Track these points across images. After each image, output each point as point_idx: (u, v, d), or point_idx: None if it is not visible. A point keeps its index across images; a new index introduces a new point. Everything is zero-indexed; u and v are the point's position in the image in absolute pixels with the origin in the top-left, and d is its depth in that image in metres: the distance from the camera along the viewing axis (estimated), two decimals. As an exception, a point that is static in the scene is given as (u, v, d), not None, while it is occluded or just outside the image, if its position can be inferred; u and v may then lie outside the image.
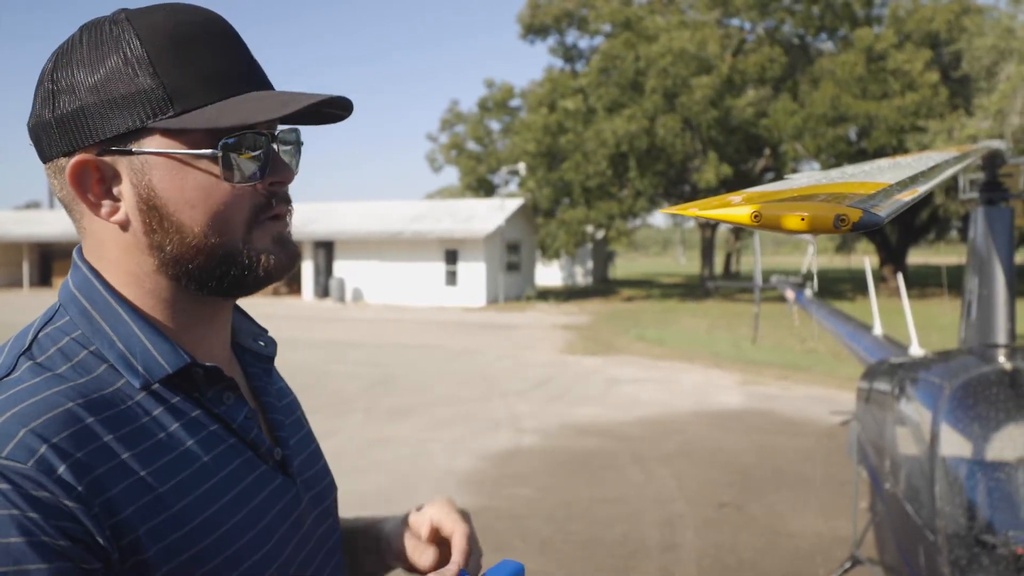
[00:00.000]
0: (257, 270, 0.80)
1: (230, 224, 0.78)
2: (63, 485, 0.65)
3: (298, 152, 0.86)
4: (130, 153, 0.75)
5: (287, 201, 0.83)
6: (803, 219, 0.52)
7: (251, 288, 0.81)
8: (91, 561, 0.65)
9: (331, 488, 0.96)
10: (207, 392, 0.79)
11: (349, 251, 29.12)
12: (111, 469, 0.68)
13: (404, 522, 0.95)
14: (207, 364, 0.78)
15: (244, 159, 0.77)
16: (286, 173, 0.81)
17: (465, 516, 0.90)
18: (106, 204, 0.76)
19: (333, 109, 0.81)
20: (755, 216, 0.54)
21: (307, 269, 29.67)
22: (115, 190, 0.76)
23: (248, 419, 0.81)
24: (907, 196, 0.67)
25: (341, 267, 29.28)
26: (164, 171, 0.75)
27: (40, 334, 0.76)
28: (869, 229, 0.51)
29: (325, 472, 0.96)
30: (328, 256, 29.66)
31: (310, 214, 31.35)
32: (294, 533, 0.83)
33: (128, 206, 0.76)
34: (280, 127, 0.81)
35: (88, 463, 0.67)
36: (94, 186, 0.76)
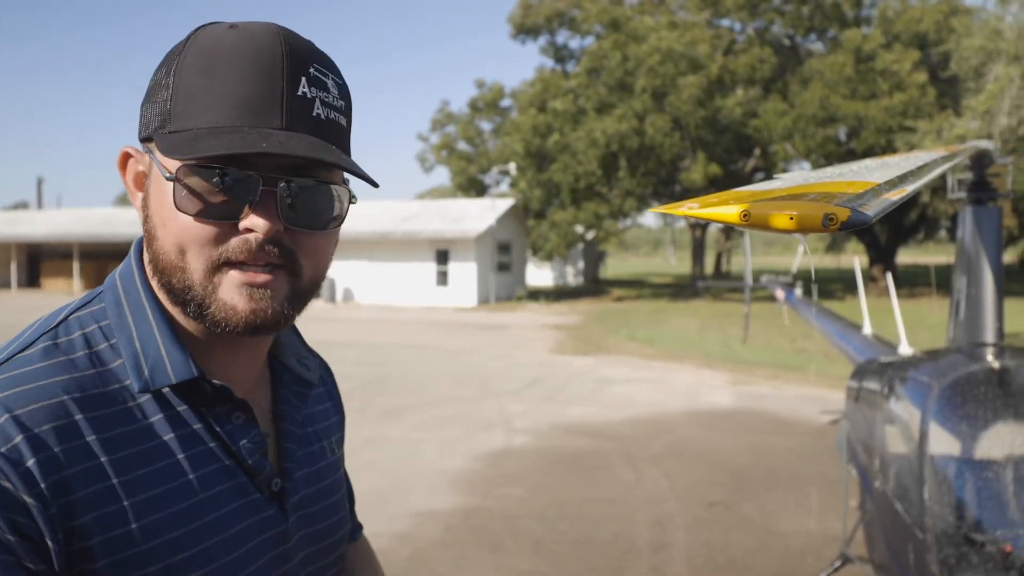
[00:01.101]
0: (216, 315, 0.74)
1: (187, 258, 0.74)
2: (26, 479, 0.64)
3: (319, 204, 0.77)
4: (151, 152, 0.78)
5: (268, 252, 0.74)
6: (791, 218, 0.52)
7: (217, 330, 0.75)
8: (35, 561, 0.64)
9: (335, 528, 0.90)
10: (215, 408, 0.77)
11: (340, 251, 28.97)
12: (83, 471, 0.67)
13: None
14: (216, 382, 0.76)
15: (212, 194, 0.72)
16: (268, 222, 0.73)
17: None
18: (138, 195, 0.80)
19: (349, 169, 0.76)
20: (744, 215, 0.54)
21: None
22: (145, 185, 0.79)
23: (252, 443, 0.78)
24: (895, 195, 0.67)
25: (332, 267, 29.19)
26: (154, 182, 0.77)
27: (72, 315, 0.77)
28: (857, 228, 0.51)
29: (333, 511, 0.91)
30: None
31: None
32: (275, 568, 0.80)
33: (145, 203, 0.79)
34: (295, 176, 0.75)
35: (60, 461, 0.66)
36: (132, 175, 0.80)
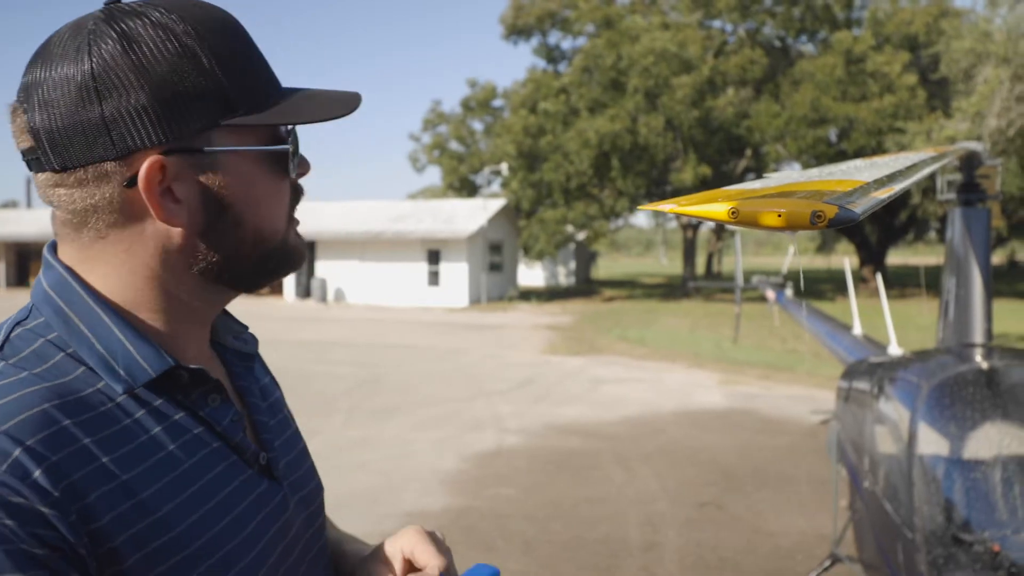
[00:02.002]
0: (292, 263, 0.84)
1: (281, 219, 0.82)
2: (38, 490, 0.62)
3: None
4: (199, 151, 0.74)
5: (303, 194, 0.87)
6: (780, 215, 0.52)
7: (278, 278, 0.85)
8: (68, 571, 0.63)
9: (318, 491, 0.93)
10: (192, 394, 0.77)
11: (331, 251, 28.99)
12: (89, 473, 0.66)
13: (376, 555, 0.91)
14: (192, 367, 0.76)
15: (294, 154, 0.82)
16: (307, 165, 0.86)
17: (440, 545, 0.88)
18: (169, 206, 0.74)
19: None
20: (732, 212, 0.54)
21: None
22: (179, 190, 0.74)
23: (234, 422, 0.79)
24: (883, 194, 0.67)
25: (323, 267, 29.15)
26: (234, 169, 0.76)
27: (12, 335, 0.74)
28: (845, 225, 0.51)
29: (312, 474, 0.93)
30: (310, 256, 29.51)
31: (298, 214, 31.15)
32: (281, 539, 0.81)
33: (191, 206, 0.75)
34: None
35: (65, 467, 0.65)
36: (160, 187, 0.73)
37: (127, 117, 0.71)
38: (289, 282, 29.56)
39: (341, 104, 0.81)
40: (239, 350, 0.91)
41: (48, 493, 0.63)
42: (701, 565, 4.92)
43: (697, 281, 31.48)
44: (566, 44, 38.13)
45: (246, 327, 0.95)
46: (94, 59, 0.71)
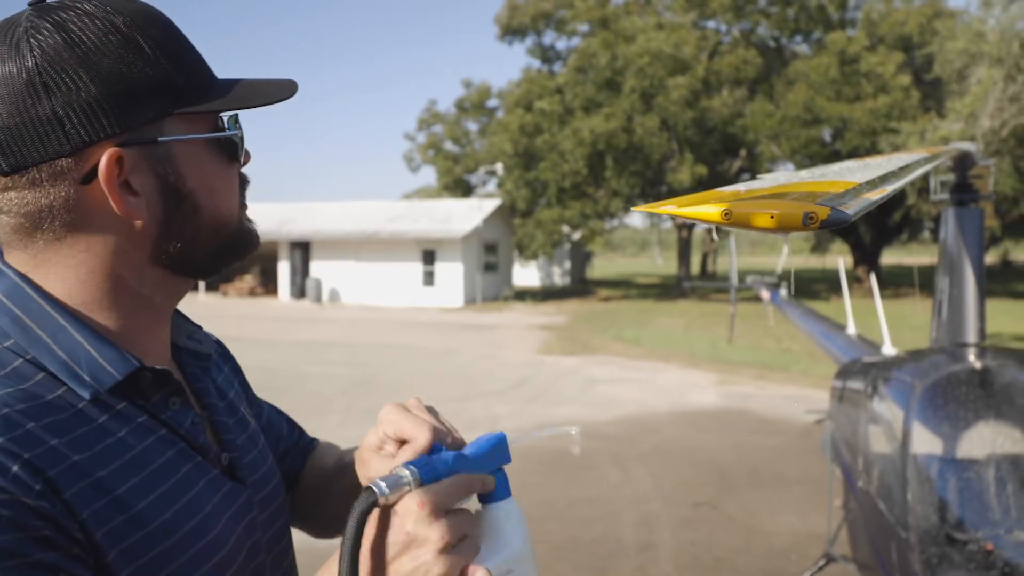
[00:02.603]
0: (247, 247, 0.85)
1: (234, 204, 0.82)
2: (20, 484, 0.62)
3: None
4: (154, 142, 0.73)
5: (249, 182, 0.88)
6: (772, 217, 0.52)
7: (234, 263, 0.85)
8: (72, 547, 0.63)
9: (280, 489, 0.92)
10: (152, 397, 0.76)
11: (326, 251, 28.96)
12: (62, 471, 0.65)
13: (364, 452, 0.87)
14: (157, 367, 0.76)
15: (240, 140, 0.82)
16: (248, 153, 0.86)
17: (421, 412, 0.83)
18: (129, 199, 0.73)
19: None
20: (725, 214, 0.54)
21: (283, 269, 29.47)
22: (136, 182, 0.73)
23: (195, 424, 0.79)
24: (875, 195, 0.68)
25: (318, 267, 29.11)
26: (188, 157, 0.76)
27: None
28: (837, 227, 0.52)
29: (273, 472, 0.92)
30: (305, 256, 29.47)
31: (287, 214, 31.14)
32: (247, 538, 0.81)
33: (150, 197, 0.74)
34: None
35: (39, 464, 0.63)
36: (118, 180, 0.72)
37: (79, 111, 0.69)
38: (284, 282, 29.53)
39: (282, 89, 0.82)
40: (194, 350, 0.90)
41: (30, 487, 0.62)
42: (696, 565, 4.92)
43: (692, 281, 31.53)
44: (561, 44, 38.18)
45: (200, 327, 0.94)
46: (35, 54, 0.69)
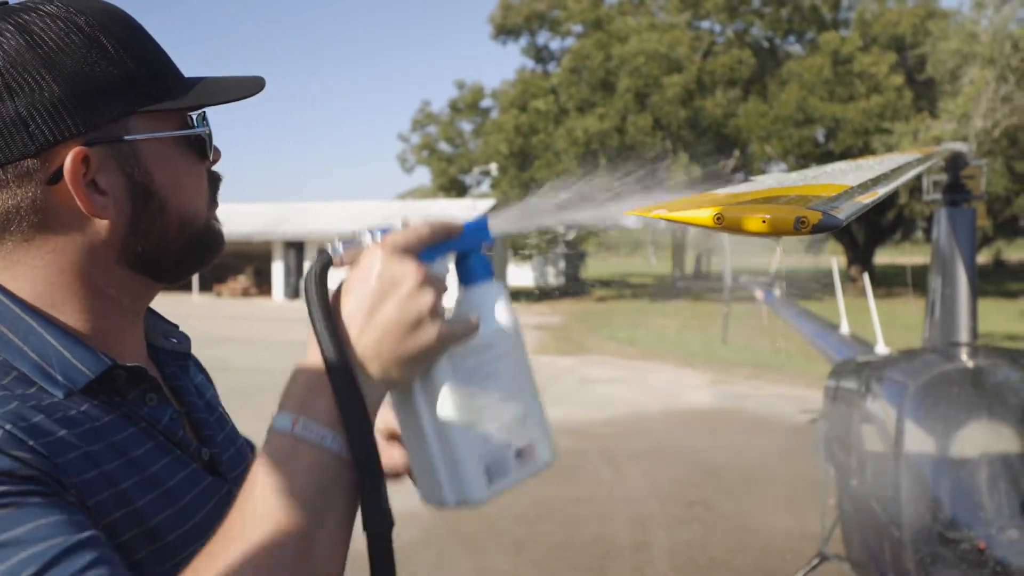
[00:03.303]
0: (214, 248, 0.83)
1: (202, 203, 0.81)
2: (37, 454, 0.63)
3: None
4: (120, 140, 0.73)
5: (222, 180, 0.86)
6: (764, 221, 0.53)
7: (201, 267, 0.84)
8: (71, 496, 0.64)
9: None
10: (129, 394, 0.76)
11: (318, 250, 28.89)
12: (49, 443, 0.65)
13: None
14: (130, 364, 0.75)
15: (208, 136, 0.82)
16: (219, 151, 0.84)
17: None
18: (96, 198, 0.72)
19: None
20: (717, 219, 0.55)
21: (278, 270, 29.41)
22: (102, 181, 0.72)
23: (173, 419, 0.78)
24: (867, 199, 0.68)
25: (308, 266, 29.04)
26: (155, 155, 0.76)
27: None
28: (828, 231, 0.52)
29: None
30: (299, 257, 29.42)
31: (281, 214, 31.08)
32: None
33: (117, 196, 0.74)
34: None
35: (20, 436, 0.63)
36: (85, 179, 0.71)
37: (43, 111, 0.69)
38: (278, 283, 29.47)
39: (248, 86, 0.82)
40: (172, 350, 0.90)
41: (21, 443, 0.63)
42: (691, 565, 4.93)
43: (686, 281, 31.59)
44: (555, 44, 38.16)
45: (177, 326, 0.94)
46: None
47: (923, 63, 25.42)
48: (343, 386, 0.63)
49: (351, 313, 0.66)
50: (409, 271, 0.66)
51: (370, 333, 0.65)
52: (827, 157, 27.81)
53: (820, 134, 28.68)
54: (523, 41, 33.88)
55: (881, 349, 4.57)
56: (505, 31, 33.08)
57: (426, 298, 0.66)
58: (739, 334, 15.86)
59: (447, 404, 0.68)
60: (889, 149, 23.07)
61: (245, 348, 13.78)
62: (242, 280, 30.93)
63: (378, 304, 0.65)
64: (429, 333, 0.66)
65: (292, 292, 29.39)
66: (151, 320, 0.90)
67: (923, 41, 25.64)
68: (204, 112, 0.81)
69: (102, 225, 0.74)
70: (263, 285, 30.78)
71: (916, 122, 23.74)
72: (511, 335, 0.74)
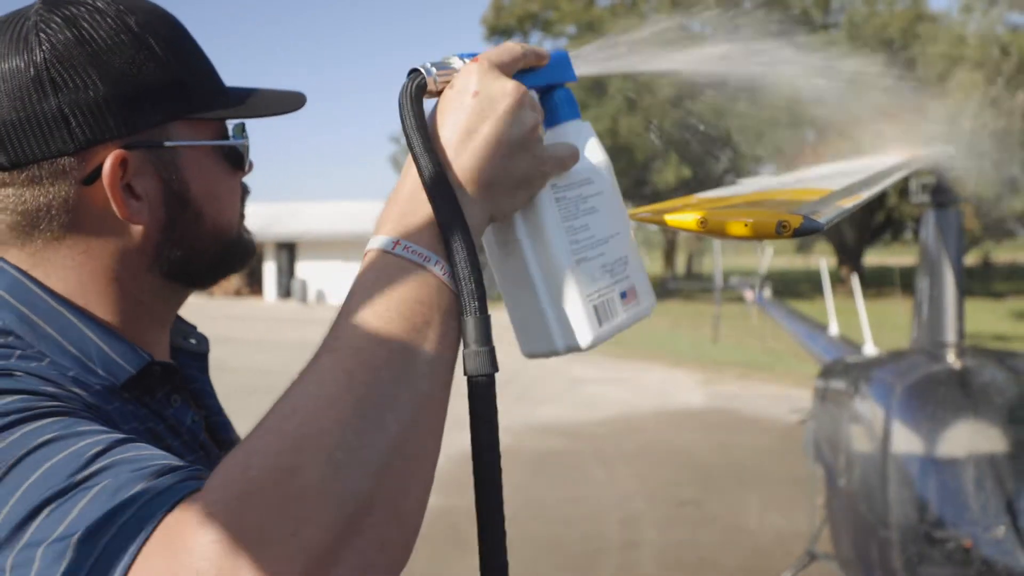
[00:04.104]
0: (245, 257, 0.83)
1: (236, 213, 0.81)
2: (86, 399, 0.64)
3: None
4: (160, 146, 0.72)
5: (249, 192, 0.86)
6: (747, 225, 0.54)
7: (231, 274, 0.84)
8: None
9: None
10: (156, 394, 0.75)
11: (312, 252, 28.85)
12: (91, 405, 0.66)
13: None
14: (165, 362, 0.76)
15: (245, 149, 0.81)
16: (252, 164, 0.84)
17: None
18: (131, 203, 0.71)
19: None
20: (701, 222, 0.56)
21: (269, 270, 29.32)
22: (139, 186, 0.71)
23: (195, 422, 0.79)
24: (849, 202, 0.70)
25: (304, 268, 28.99)
26: (193, 164, 0.75)
27: None
28: (809, 235, 0.54)
29: None
30: (291, 257, 29.35)
31: (273, 214, 30.99)
32: None
33: (153, 202, 0.72)
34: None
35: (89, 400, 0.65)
36: (121, 183, 0.70)
37: (86, 109, 0.68)
38: (270, 283, 29.38)
39: (290, 101, 0.82)
40: (191, 351, 0.89)
41: (88, 396, 0.65)
42: (680, 564, 4.95)
43: (677, 281, 31.67)
44: (547, 46, 38.23)
45: (195, 327, 0.93)
46: (44, 49, 0.67)
47: (912, 66, 25.55)
48: (445, 208, 0.58)
49: (448, 135, 0.60)
50: (509, 89, 0.61)
51: (468, 155, 0.60)
52: (816, 158, 27.90)
53: (810, 135, 28.81)
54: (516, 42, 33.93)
55: (869, 350, 4.61)
56: (498, 32, 33.08)
57: (528, 119, 0.61)
58: (730, 334, 15.92)
59: (552, 237, 0.63)
60: (878, 150, 23.11)
61: (242, 348, 13.76)
62: (234, 280, 30.85)
63: (477, 124, 0.60)
64: (532, 158, 0.62)
65: (284, 292, 29.31)
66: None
67: (912, 44, 25.79)
68: (243, 124, 0.80)
69: (136, 230, 0.72)
70: (255, 285, 30.68)
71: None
72: (607, 174, 0.69)
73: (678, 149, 28.47)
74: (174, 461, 0.54)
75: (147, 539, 0.46)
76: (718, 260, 10.38)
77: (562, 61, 0.70)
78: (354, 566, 0.47)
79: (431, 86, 0.60)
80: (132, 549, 0.46)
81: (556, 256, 0.63)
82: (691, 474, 6.86)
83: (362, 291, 0.57)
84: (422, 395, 0.55)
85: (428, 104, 0.62)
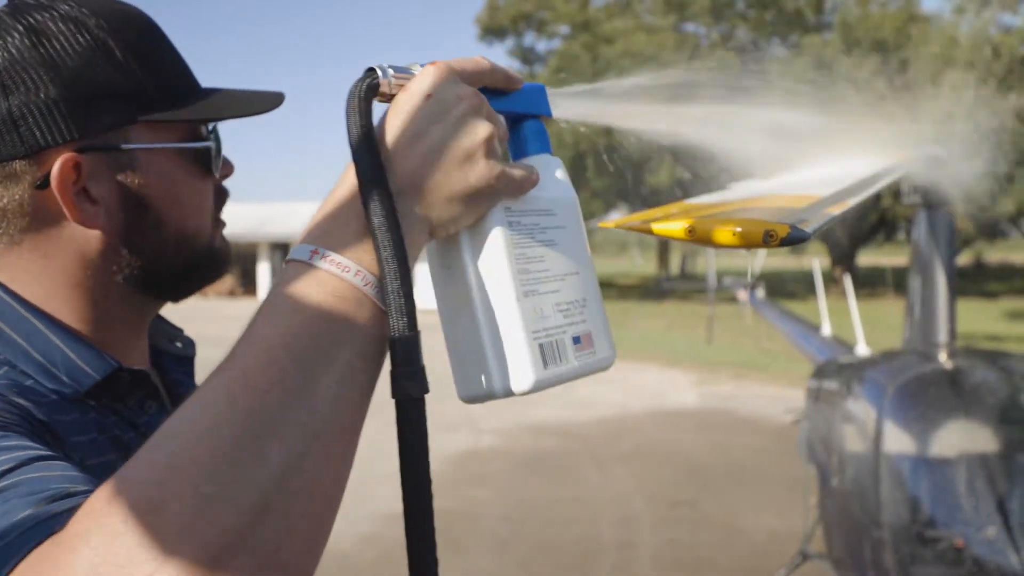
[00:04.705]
0: (219, 267, 0.80)
1: (205, 219, 0.78)
2: (32, 413, 0.63)
3: None
4: (116, 149, 0.70)
5: (228, 196, 0.83)
6: (734, 234, 0.55)
7: (205, 285, 0.80)
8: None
9: None
10: (128, 401, 0.74)
11: (305, 252, 28.80)
12: (44, 424, 0.64)
13: None
14: (134, 368, 0.74)
15: (216, 152, 0.78)
16: (231, 166, 0.81)
17: None
18: (86, 207, 0.69)
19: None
20: (689, 231, 0.57)
21: (263, 271, 29.28)
22: (95, 190, 0.70)
23: None
24: (837, 209, 0.70)
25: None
26: (155, 167, 0.73)
27: None
28: (796, 244, 0.54)
29: None
30: (285, 257, 29.22)
31: (267, 214, 30.95)
32: None
33: (109, 206, 0.71)
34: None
35: (38, 416, 0.64)
36: (75, 187, 0.68)
37: (36, 112, 0.67)
38: (263, 283, 29.33)
39: (262, 102, 0.79)
40: (177, 354, 0.87)
41: (33, 409, 0.63)
42: (676, 564, 4.97)
43: (672, 282, 31.71)
44: (541, 46, 38.24)
45: (181, 330, 0.91)
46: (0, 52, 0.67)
47: (904, 66, 25.64)
48: (379, 212, 0.52)
49: (394, 137, 0.55)
50: (464, 94, 0.57)
51: (413, 159, 0.55)
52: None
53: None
54: (509, 42, 33.89)
55: (862, 350, 4.63)
56: (492, 32, 33.08)
57: (481, 128, 0.56)
58: (724, 335, 15.95)
59: (498, 259, 0.57)
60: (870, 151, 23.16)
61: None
62: (228, 280, 30.79)
63: (426, 127, 0.55)
64: (482, 170, 0.56)
65: (277, 293, 29.24)
66: (155, 323, 0.87)
67: (904, 44, 25.88)
68: (214, 125, 0.78)
69: (93, 235, 0.71)
70: (248, 286, 30.63)
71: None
72: (572, 210, 0.64)
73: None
74: (79, 486, 0.52)
75: (11, 570, 0.46)
76: (712, 261, 10.40)
77: (537, 93, 0.65)
78: None
79: (384, 88, 0.56)
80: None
81: (501, 282, 0.57)
82: (686, 474, 6.87)
83: (269, 306, 0.53)
84: (321, 422, 0.49)
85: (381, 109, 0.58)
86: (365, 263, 0.53)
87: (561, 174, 0.65)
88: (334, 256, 0.53)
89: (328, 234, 0.55)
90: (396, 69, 0.56)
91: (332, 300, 0.52)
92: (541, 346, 0.58)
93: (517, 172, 0.59)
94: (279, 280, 0.55)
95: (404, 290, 0.53)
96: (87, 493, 0.50)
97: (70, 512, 0.47)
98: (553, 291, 0.60)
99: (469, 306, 0.58)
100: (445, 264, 0.60)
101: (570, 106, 0.70)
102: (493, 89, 0.61)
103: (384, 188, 0.53)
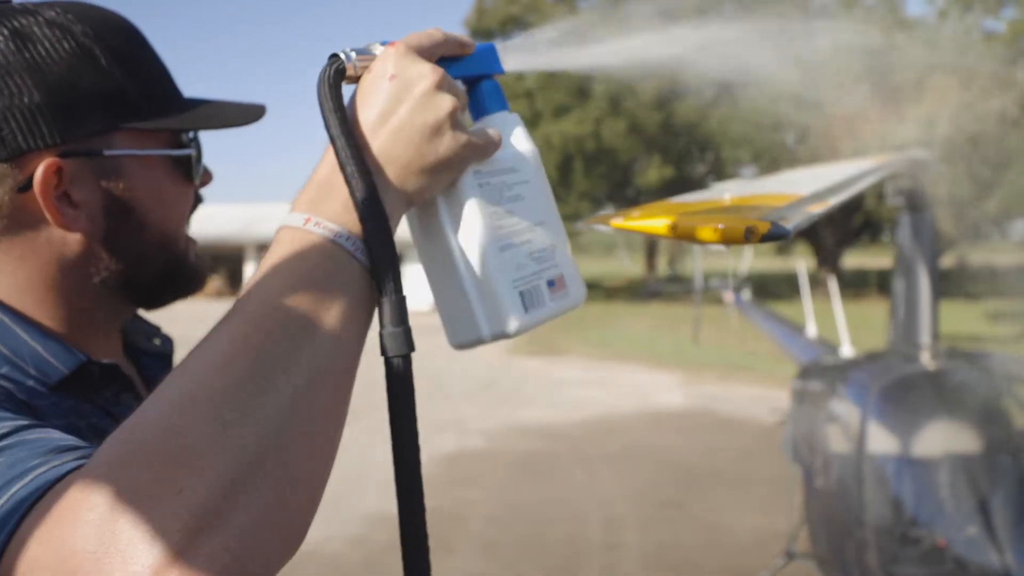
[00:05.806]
0: (196, 280, 0.82)
1: (180, 228, 0.79)
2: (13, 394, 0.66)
3: None
4: (99, 155, 0.72)
5: (202, 201, 0.85)
6: (715, 231, 0.56)
7: (182, 296, 0.82)
8: None
9: None
10: (103, 393, 0.75)
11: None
12: (45, 412, 0.67)
13: None
14: (104, 362, 0.75)
15: (197, 160, 0.80)
16: (210, 175, 0.83)
17: None
18: (67, 211, 0.71)
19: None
20: (671, 227, 0.57)
21: (250, 272, 29.16)
22: (76, 195, 0.71)
23: None
24: (817, 208, 0.71)
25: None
26: (138, 173, 0.74)
27: None
28: (777, 240, 0.55)
29: None
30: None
31: (254, 215, 30.82)
32: None
33: (91, 211, 0.72)
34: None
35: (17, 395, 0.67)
36: (57, 191, 0.70)
37: (19, 116, 0.68)
38: (249, 284, 29.23)
39: (244, 114, 0.81)
40: (156, 352, 0.89)
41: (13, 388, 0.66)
42: (662, 564, 4.98)
43: (658, 283, 31.81)
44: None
45: (159, 328, 0.93)
46: None
47: (889, 71, 25.83)
48: (360, 187, 0.57)
49: (365, 118, 0.60)
50: (425, 71, 0.61)
51: (385, 136, 0.60)
52: (796, 161, 28.17)
53: (790, 138, 29.05)
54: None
55: (846, 351, 4.66)
56: (480, 34, 33.11)
57: (444, 102, 0.61)
58: (710, 336, 16.01)
59: (474, 220, 0.63)
60: (857, 153, 23.38)
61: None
62: (215, 281, 30.62)
63: (394, 106, 0.60)
64: (448, 141, 0.61)
65: (264, 294, 29.13)
66: (133, 321, 0.88)
67: (888, 49, 26.06)
68: (196, 134, 0.80)
69: (73, 239, 0.72)
70: (235, 287, 30.49)
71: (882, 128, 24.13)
72: (533, 163, 0.69)
73: (660, 151, 28.61)
74: (77, 443, 0.55)
75: (32, 506, 0.47)
76: (699, 262, 10.45)
77: (489, 53, 0.70)
78: (242, 526, 0.45)
79: (350, 71, 0.60)
80: (18, 516, 0.47)
81: (479, 241, 0.63)
82: (672, 475, 6.90)
83: (268, 264, 0.56)
84: (320, 367, 0.54)
85: (349, 91, 0.62)
86: (355, 231, 0.58)
87: (520, 129, 0.69)
88: (327, 223, 0.57)
89: (317, 204, 0.59)
90: (358, 51, 0.61)
91: (327, 262, 0.56)
92: (521, 294, 0.64)
93: (481, 138, 0.64)
94: (276, 243, 0.58)
95: (390, 256, 0.57)
96: (90, 447, 0.53)
97: (81, 460, 0.50)
98: (526, 242, 0.66)
99: (452, 265, 0.64)
100: (426, 228, 0.65)
101: (521, 59, 0.74)
102: (449, 56, 0.66)
103: (363, 166, 0.57)
